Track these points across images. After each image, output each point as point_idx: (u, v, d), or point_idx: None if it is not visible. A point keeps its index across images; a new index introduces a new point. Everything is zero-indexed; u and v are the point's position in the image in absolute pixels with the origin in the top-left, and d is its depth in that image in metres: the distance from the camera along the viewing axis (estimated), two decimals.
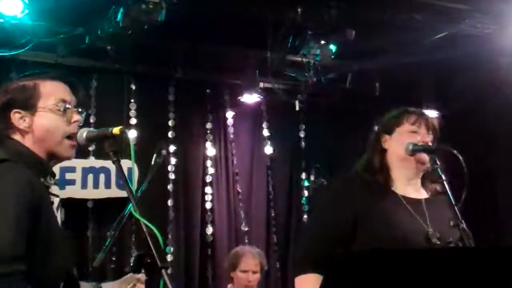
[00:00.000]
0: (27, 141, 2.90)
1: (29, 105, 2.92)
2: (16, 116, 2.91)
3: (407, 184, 3.71)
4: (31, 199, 2.68)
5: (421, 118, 3.72)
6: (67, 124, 2.95)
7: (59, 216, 2.96)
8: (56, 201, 2.95)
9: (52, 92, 2.97)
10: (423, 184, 3.77)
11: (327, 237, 3.60)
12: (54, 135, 2.93)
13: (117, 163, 2.80)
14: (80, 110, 3.02)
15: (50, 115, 2.93)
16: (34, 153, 2.89)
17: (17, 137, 2.91)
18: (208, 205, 7.80)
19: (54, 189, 2.96)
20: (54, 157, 2.95)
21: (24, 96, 2.93)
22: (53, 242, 2.78)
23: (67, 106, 2.96)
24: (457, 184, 3.59)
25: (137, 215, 2.61)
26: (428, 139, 3.70)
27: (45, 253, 2.74)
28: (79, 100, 3.05)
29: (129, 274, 3.54)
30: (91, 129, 2.97)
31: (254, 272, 6.29)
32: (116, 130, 2.82)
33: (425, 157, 3.65)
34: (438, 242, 3.49)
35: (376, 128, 3.86)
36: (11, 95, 2.93)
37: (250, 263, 6.31)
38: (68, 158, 3.00)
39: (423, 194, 3.73)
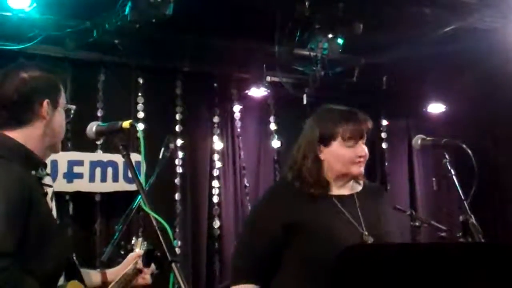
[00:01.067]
0: (38, 131, 2.93)
1: (55, 99, 3.00)
2: (45, 106, 2.94)
3: (342, 186, 3.65)
4: (21, 195, 2.71)
5: (355, 132, 3.59)
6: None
7: (54, 206, 3.00)
8: (49, 191, 2.98)
9: (61, 91, 3.07)
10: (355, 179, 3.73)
11: (260, 248, 3.57)
12: (63, 132, 3.06)
13: (127, 157, 2.83)
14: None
15: (63, 112, 3.05)
16: (24, 146, 2.89)
17: (31, 125, 2.92)
18: (215, 199, 7.81)
19: (47, 179, 3.00)
20: (53, 150, 3.03)
21: (53, 90, 3.01)
22: (47, 234, 2.82)
23: (68, 110, 3.10)
24: (465, 178, 3.59)
25: (147, 209, 2.62)
26: (364, 152, 3.61)
27: (40, 245, 2.78)
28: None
29: (129, 255, 3.56)
30: (100, 123, 3.00)
31: None
32: (126, 124, 2.84)
33: (361, 171, 3.62)
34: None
35: (310, 133, 3.71)
36: (43, 84, 2.98)
37: None
38: (57, 152, 3.09)
39: (356, 188, 3.68)
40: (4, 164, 2.79)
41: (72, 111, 3.10)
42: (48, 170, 3.03)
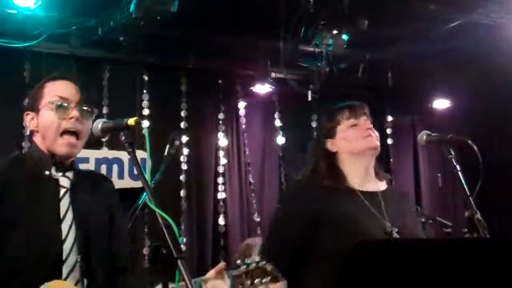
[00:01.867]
0: (38, 140, 3.16)
1: (35, 105, 3.16)
2: (27, 118, 3.20)
3: (364, 179, 3.69)
4: None
5: (353, 110, 3.72)
6: (63, 120, 3.09)
7: (63, 204, 3.08)
8: (62, 191, 3.10)
9: (51, 91, 3.17)
10: (377, 175, 3.77)
11: (291, 245, 3.58)
12: (49, 131, 3.11)
13: (133, 154, 2.84)
14: (83, 107, 3.13)
15: (46, 112, 3.12)
16: (39, 149, 3.14)
17: (35, 134, 3.18)
18: (220, 196, 7.81)
19: (62, 181, 3.13)
20: (54, 154, 3.12)
21: (33, 98, 3.19)
22: (14, 229, 2.96)
23: (63, 103, 3.11)
24: (470, 174, 3.59)
25: (153, 206, 2.63)
26: (368, 124, 3.71)
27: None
28: (89, 96, 3.18)
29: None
30: (106, 120, 3.01)
31: None
32: (131, 121, 2.85)
33: (376, 143, 3.68)
34: (397, 236, 3.49)
35: (316, 135, 3.91)
36: (27, 99, 3.24)
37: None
38: (65, 155, 3.15)
39: (380, 186, 3.73)
40: None
41: (58, 103, 3.12)
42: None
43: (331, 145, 3.71)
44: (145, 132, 2.89)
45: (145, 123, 7.24)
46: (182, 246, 7.16)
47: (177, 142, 5.75)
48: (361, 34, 6.82)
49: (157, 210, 2.60)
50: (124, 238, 3.45)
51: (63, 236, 3.02)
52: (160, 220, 2.58)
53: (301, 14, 6.63)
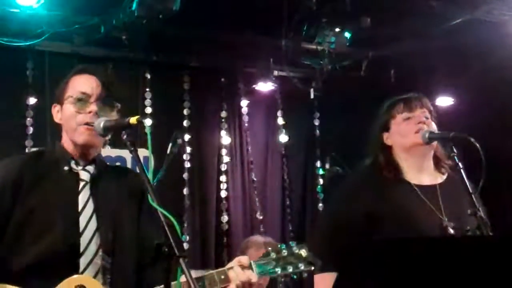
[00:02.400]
0: (64, 132, 3.22)
1: (60, 98, 3.22)
2: (54, 110, 3.26)
3: (420, 171, 3.73)
4: (3, 184, 3.03)
5: (408, 103, 3.78)
6: (81, 114, 3.13)
7: (82, 198, 3.11)
8: (81, 184, 3.14)
9: (74, 85, 3.20)
10: (437, 167, 3.78)
11: (341, 238, 3.61)
12: (70, 123, 3.16)
13: (135, 153, 2.83)
14: (103, 101, 3.15)
15: (68, 105, 3.17)
16: (61, 144, 3.21)
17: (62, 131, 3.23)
18: (223, 194, 7.81)
19: (83, 174, 3.17)
20: (76, 145, 3.15)
21: (59, 91, 3.24)
22: (35, 223, 3.00)
23: (83, 97, 3.14)
24: (474, 171, 3.58)
25: (154, 204, 2.63)
26: (424, 118, 3.74)
27: (22, 232, 2.98)
28: (110, 91, 3.21)
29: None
30: (108, 118, 3.01)
31: None
32: (133, 119, 2.85)
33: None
34: (453, 232, 3.50)
35: (373, 128, 3.91)
36: (56, 91, 3.27)
37: (253, 255, 6.29)
38: (84, 143, 3.15)
39: (438, 179, 3.73)
40: (9, 159, 3.18)
41: (77, 97, 3.16)
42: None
43: (386, 138, 3.80)
44: (147, 130, 2.89)
45: (148, 122, 7.24)
46: (185, 244, 7.25)
47: (179, 140, 5.77)
48: (364, 32, 6.82)
49: (159, 209, 2.60)
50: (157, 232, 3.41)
51: (81, 228, 3.04)
52: (162, 219, 2.58)
53: (304, 12, 6.63)
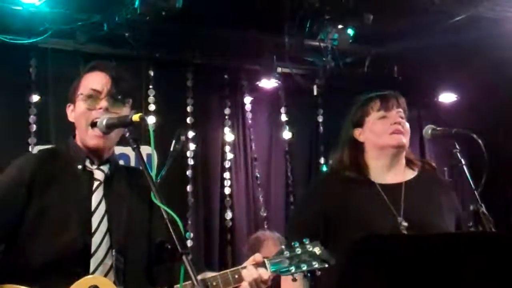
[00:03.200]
0: (77, 133, 3.18)
1: (73, 97, 3.19)
2: (68, 110, 3.22)
3: (387, 171, 3.71)
4: (17, 178, 3.03)
5: (385, 101, 3.72)
6: (92, 111, 3.10)
7: (96, 197, 3.09)
8: (95, 184, 3.11)
9: (85, 82, 3.17)
10: (408, 165, 3.76)
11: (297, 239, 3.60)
12: (80, 122, 3.13)
13: (137, 150, 2.83)
14: (113, 97, 3.13)
15: (79, 103, 3.14)
16: (75, 143, 3.18)
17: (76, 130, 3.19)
18: (227, 191, 7.81)
19: (97, 174, 3.15)
20: (87, 147, 3.13)
21: (72, 90, 3.20)
22: (48, 222, 2.99)
23: (93, 93, 3.11)
24: (476, 168, 3.58)
25: (157, 202, 2.63)
26: (399, 119, 3.70)
27: (35, 230, 2.97)
28: (120, 86, 3.17)
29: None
30: (111, 116, 3.01)
31: None
32: (136, 117, 2.85)
33: (404, 142, 3.66)
34: (405, 232, 3.49)
35: (346, 122, 3.86)
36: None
37: (272, 250, 6.30)
38: (95, 147, 3.13)
39: (406, 176, 3.72)
40: (23, 157, 3.19)
41: (88, 94, 3.13)
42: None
43: (358, 134, 3.75)
44: (150, 128, 2.88)
45: (151, 119, 7.24)
46: (189, 241, 7.25)
47: (183, 138, 5.76)
48: (366, 29, 6.81)
49: (162, 206, 2.61)
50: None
51: (93, 229, 3.02)
52: (165, 216, 2.59)
53: (307, 8, 6.63)
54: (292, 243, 3.12)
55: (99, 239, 3.01)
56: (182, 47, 7.45)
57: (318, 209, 3.64)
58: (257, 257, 3.11)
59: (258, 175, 8.03)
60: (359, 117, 3.75)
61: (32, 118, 6.87)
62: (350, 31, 6.91)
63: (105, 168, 3.18)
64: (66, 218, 3.01)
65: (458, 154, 3.57)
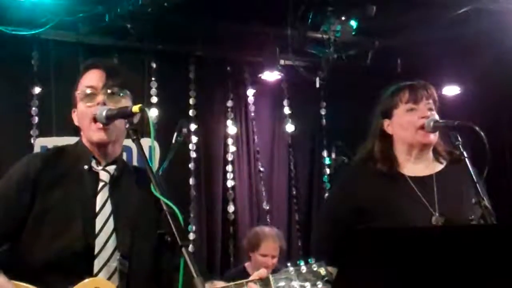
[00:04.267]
0: (82, 134, 3.13)
1: (74, 101, 3.13)
2: (74, 115, 3.15)
3: (416, 163, 3.68)
4: (21, 179, 3.00)
5: (414, 92, 3.67)
6: (91, 108, 3.04)
7: (100, 199, 3.05)
8: (100, 185, 3.06)
9: (82, 82, 3.13)
10: (435, 155, 3.74)
11: (330, 233, 3.62)
12: (83, 120, 3.08)
13: (137, 142, 2.81)
14: (109, 90, 3.07)
15: (79, 104, 3.10)
16: (82, 143, 3.13)
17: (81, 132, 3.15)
18: (229, 183, 7.81)
19: (102, 175, 3.09)
20: (92, 143, 3.08)
21: (74, 93, 3.13)
22: (51, 221, 2.96)
23: (90, 91, 3.07)
24: (479, 160, 3.56)
25: (157, 194, 2.61)
26: (428, 112, 3.66)
27: (38, 230, 2.95)
28: (115, 79, 3.11)
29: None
30: (111, 107, 2.99)
31: (273, 257, 6.30)
32: (135, 108, 2.83)
33: (432, 139, 3.63)
34: (440, 223, 3.47)
35: (375, 113, 3.83)
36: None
37: (270, 247, 6.31)
38: (99, 142, 3.07)
39: (436, 168, 3.70)
40: (28, 157, 3.14)
41: (85, 92, 3.08)
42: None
43: (387, 126, 3.72)
44: (150, 120, 2.86)
45: (153, 111, 7.23)
46: (191, 234, 7.24)
47: (185, 130, 5.75)
48: (370, 21, 6.79)
49: (162, 198, 2.59)
50: None
51: (97, 230, 2.98)
52: (164, 208, 2.57)
53: (309, 0, 6.61)
54: (298, 262, 3.11)
55: (103, 240, 2.97)
56: (184, 39, 7.43)
57: (351, 204, 3.61)
58: (262, 272, 3.07)
59: (261, 168, 8.02)
60: (388, 108, 3.72)
61: (34, 110, 6.87)
62: (353, 23, 6.88)
63: (111, 169, 3.12)
64: (70, 218, 2.98)
65: (461, 147, 3.54)
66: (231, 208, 7.77)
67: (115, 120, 2.99)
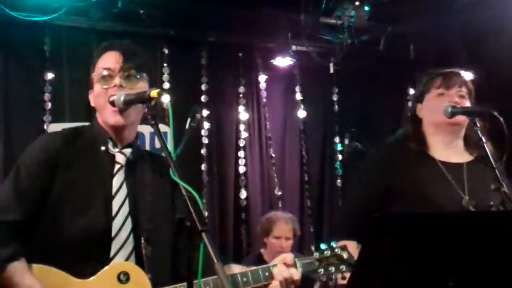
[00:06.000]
0: (98, 115, 3.15)
1: (91, 82, 3.15)
2: (90, 96, 3.18)
3: (447, 149, 3.67)
4: (42, 159, 3.01)
5: (446, 79, 3.70)
6: (108, 90, 3.05)
7: (117, 181, 3.07)
8: (116, 167, 3.08)
9: (99, 64, 3.13)
10: (466, 146, 3.73)
11: (361, 207, 3.62)
12: (99, 102, 3.10)
13: (156, 127, 2.79)
14: (126, 73, 3.08)
15: (96, 85, 3.11)
16: (98, 124, 3.13)
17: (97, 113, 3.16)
18: (241, 169, 7.80)
19: (118, 157, 3.11)
20: (108, 126, 3.09)
21: (90, 75, 3.15)
22: (72, 201, 2.98)
23: (107, 72, 3.07)
24: (496, 146, 3.54)
25: (176, 179, 2.59)
26: (457, 98, 3.65)
27: (61, 210, 2.97)
28: (133, 61, 3.12)
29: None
30: (128, 92, 2.98)
31: (287, 239, 6.30)
32: (154, 93, 2.81)
33: (459, 119, 3.61)
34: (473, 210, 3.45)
35: (412, 97, 3.92)
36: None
37: (283, 229, 6.31)
38: (115, 125, 3.08)
39: (466, 157, 3.68)
40: (47, 135, 3.28)
41: (102, 73, 3.09)
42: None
43: (419, 110, 3.74)
44: (168, 105, 2.86)
45: (166, 97, 7.22)
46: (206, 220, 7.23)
47: (198, 115, 5.74)
48: (383, 7, 6.76)
49: (181, 183, 2.57)
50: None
51: (114, 212, 3.00)
52: (184, 193, 2.55)
53: None
54: (321, 245, 3.13)
55: (120, 222, 2.99)
56: (196, 25, 7.41)
57: (384, 182, 3.60)
58: (288, 256, 3.08)
59: (273, 154, 8.01)
60: (421, 93, 3.77)
61: (46, 96, 6.86)
62: (367, 8, 6.85)
63: (127, 151, 3.14)
64: (88, 200, 3.00)
65: (479, 132, 3.52)
66: (243, 194, 7.76)
67: (133, 105, 2.98)
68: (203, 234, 2.46)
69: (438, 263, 2.57)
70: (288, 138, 8.20)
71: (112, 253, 2.95)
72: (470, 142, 3.72)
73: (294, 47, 7.70)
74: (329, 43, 7.57)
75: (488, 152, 3.46)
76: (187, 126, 5.62)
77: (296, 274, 3.02)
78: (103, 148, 3.09)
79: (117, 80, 3.04)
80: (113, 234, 2.97)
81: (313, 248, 3.14)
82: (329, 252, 3.12)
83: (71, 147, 3.08)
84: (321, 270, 3.10)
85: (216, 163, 7.67)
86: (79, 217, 2.95)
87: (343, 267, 3.13)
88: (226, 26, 7.47)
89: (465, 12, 6.99)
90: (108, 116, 3.05)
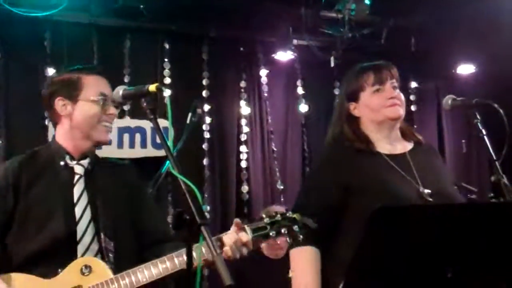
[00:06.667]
0: (65, 125, 3.40)
1: (72, 95, 3.38)
2: (59, 102, 3.39)
3: (389, 142, 3.68)
4: (3, 187, 3.26)
5: (378, 73, 3.68)
6: (103, 115, 3.36)
7: (77, 190, 3.34)
8: (76, 177, 3.37)
9: (93, 86, 3.40)
10: (403, 136, 3.75)
11: (319, 211, 3.49)
12: (91, 120, 3.36)
13: (154, 121, 2.83)
14: (116, 105, 3.38)
15: (90, 105, 3.36)
16: (55, 142, 3.44)
17: (59, 122, 3.42)
18: (243, 164, 7.79)
19: (77, 168, 3.39)
20: (90, 139, 3.38)
21: (68, 87, 3.39)
22: (36, 216, 3.26)
23: (104, 98, 3.35)
24: (496, 138, 3.54)
25: (175, 173, 2.62)
26: (394, 92, 3.67)
27: (24, 225, 3.25)
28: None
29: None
30: (127, 87, 3.01)
31: None
32: (152, 87, 2.84)
33: (401, 113, 3.65)
34: (431, 199, 3.45)
35: (340, 95, 3.88)
36: (57, 86, 3.43)
37: None
38: (103, 141, 3.45)
39: (406, 147, 3.71)
40: (5, 163, 3.45)
41: (100, 97, 3.36)
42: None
43: (353, 109, 3.71)
44: (167, 100, 2.91)
45: (167, 92, 7.22)
46: (205, 214, 7.23)
47: (199, 110, 5.74)
48: (384, 0, 6.75)
49: (180, 177, 2.60)
50: (159, 216, 3.67)
51: (77, 218, 3.24)
52: (183, 187, 2.57)
53: None
54: (274, 212, 3.20)
55: (84, 226, 3.24)
56: (197, 20, 7.40)
57: (339, 179, 3.56)
58: (237, 222, 3.23)
59: (275, 149, 8.00)
60: (354, 91, 3.71)
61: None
62: (368, 2, 6.84)
63: (85, 162, 3.41)
64: (52, 211, 3.25)
65: (479, 125, 3.52)
66: (245, 189, 7.76)
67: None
68: (202, 228, 2.48)
69: (436, 254, 2.57)
70: (289, 132, 8.19)
71: (79, 255, 3.20)
72: (405, 130, 3.75)
73: (295, 41, 7.68)
74: (330, 37, 7.56)
75: (489, 145, 3.46)
76: (188, 121, 5.63)
77: (245, 236, 3.16)
78: (62, 163, 3.36)
79: (113, 110, 3.40)
80: (78, 237, 3.22)
81: (263, 215, 3.21)
82: (279, 216, 3.17)
83: (30, 168, 3.35)
84: (273, 233, 3.16)
85: (217, 158, 7.67)
86: (43, 229, 3.20)
87: (295, 227, 3.19)
88: (227, 21, 7.46)
89: (467, 4, 6.97)
90: (100, 133, 3.38)
